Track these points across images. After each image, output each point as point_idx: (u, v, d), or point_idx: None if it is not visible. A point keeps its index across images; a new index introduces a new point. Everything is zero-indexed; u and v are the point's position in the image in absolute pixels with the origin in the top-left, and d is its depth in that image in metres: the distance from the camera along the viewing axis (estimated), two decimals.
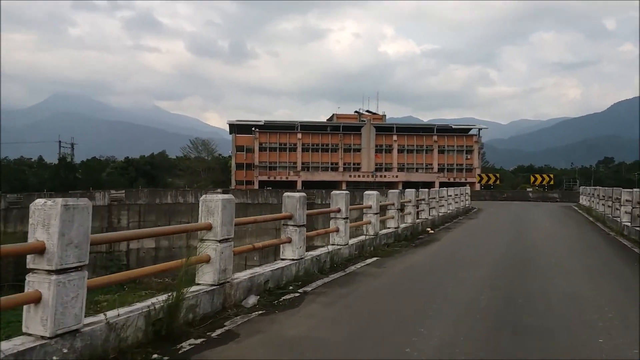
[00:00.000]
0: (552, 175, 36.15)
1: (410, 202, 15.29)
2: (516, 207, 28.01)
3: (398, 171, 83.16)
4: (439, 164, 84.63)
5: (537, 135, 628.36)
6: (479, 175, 39.40)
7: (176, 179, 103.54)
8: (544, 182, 36.80)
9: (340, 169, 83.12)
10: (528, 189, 62.96)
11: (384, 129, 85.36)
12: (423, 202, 16.69)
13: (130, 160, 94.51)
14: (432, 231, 15.82)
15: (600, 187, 20.94)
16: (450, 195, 21.15)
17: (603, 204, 19.01)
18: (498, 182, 35.24)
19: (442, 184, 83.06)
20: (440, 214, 18.52)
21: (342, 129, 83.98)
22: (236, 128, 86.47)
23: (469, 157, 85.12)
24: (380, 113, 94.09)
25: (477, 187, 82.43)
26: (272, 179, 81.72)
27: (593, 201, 22.11)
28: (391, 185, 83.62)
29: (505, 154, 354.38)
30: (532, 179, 35.97)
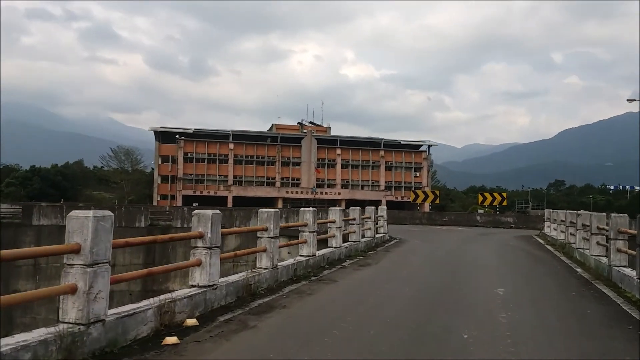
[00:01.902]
0: (504, 195, 28.83)
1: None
2: (456, 236, 20.39)
3: (341, 188, 75.38)
4: (386, 182, 77.51)
5: (489, 158, 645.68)
6: (414, 191, 31.25)
7: (102, 193, 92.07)
8: (495, 203, 29.43)
9: (277, 184, 74.48)
10: (479, 210, 56.37)
11: (327, 141, 77.65)
12: (266, 233, 8.35)
13: (36, 169, 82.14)
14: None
15: (587, 212, 12.98)
16: (346, 221, 13.02)
17: (599, 243, 11.27)
18: (437, 200, 27.43)
19: (389, 203, 76.27)
20: (304, 260, 10.15)
21: (281, 140, 75.64)
22: (161, 136, 76.56)
23: (417, 174, 78.61)
24: (325, 125, 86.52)
25: (426, 207, 76.48)
26: (198, 193, 72.05)
27: (571, 234, 14.05)
28: (333, 203, 75.68)
29: (459, 175, 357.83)
30: (481, 198, 28.54)
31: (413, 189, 76.57)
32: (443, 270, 11.15)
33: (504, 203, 29.52)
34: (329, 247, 12.00)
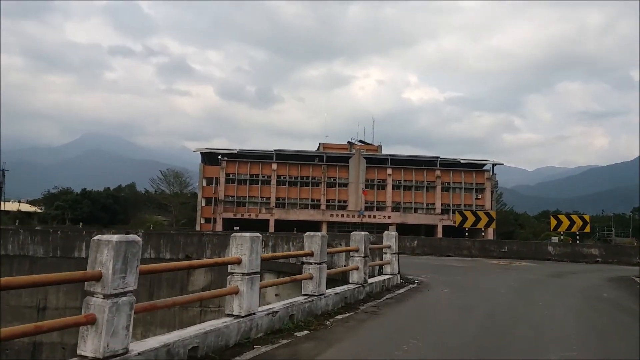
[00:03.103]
0: (586, 218, 21.57)
1: None
2: (514, 277, 13.55)
3: (392, 211, 68.75)
4: (442, 204, 69.94)
5: (564, 182, 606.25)
6: (460, 212, 24.36)
7: (154, 215, 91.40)
8: (574, 229, 22.36)
9: (323, 207, 69.22)
10: (552, 238, 47.61)
11: (377, 160, 71.64)
12: None
13: (87, 192, 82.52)
14: None
15: None
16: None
17: None
18: (494, 225, 20.98)
19: (447, 228, 68.51)
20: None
21: (327, 159, 70.65)
22: (206, 157, 74.25)
23: (479, 196, 70.32)
24: (376, 144, 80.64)
25: (490, 234, 67.77)
26: (239, 216, 68.39)
27: None
28: (383, 227, 69.18)
29: (531, 200, 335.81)
30: (554, 222, 21.60)
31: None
32: None
33: (586, 229, 22.37)
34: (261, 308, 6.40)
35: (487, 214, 21.51)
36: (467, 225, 22.20)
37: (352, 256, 8.87)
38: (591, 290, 10.88)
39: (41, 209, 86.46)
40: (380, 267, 10.05)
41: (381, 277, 9.99)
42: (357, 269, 8.63)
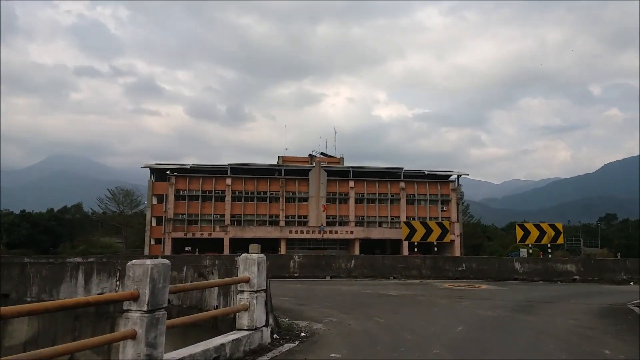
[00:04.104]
0: (559, 227, 18.07)
1: None
2: (464, 315, 9.40)
3: (355, 225, 64.92)
4: (407, 217, 66.56)
5: (530, 194, 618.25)
6: (406, 223, 20.36)
7: (105, 238, 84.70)
8: (544, 240, 18.83)
9: (282, 223, 64.81)
10: (520, 252, 44.51)
11: (339, 172, 67.96)
12: None
13: (26, 214, 75.63)
14: None
15: None
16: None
17: None
18: (447, 238, 17.28)
19: (411, 244, 65.06)
20: None
21: (285, 173, 66.52)
22: (156, 173, 69.00)
23: (445, 208, 67.35)
24: (338, 156, 77.09)
25: (457, 251, 64.66)
26: (191, 235, 63.25)
27: None
28: (345, 243, 65.33)
29: (499, 212, 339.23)
30: (520, 232, 18.12)
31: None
32: None
33: (559, 240, 18.88)
34: None
35: (440, 225, 17.82)
36: (416, 239, 18.46)
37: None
38: (583, 342, 6.86)
39: None
40: (234, 316, 5.93)
41: (238, 336, 5.72)
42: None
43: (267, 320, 6.08)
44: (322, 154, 75.92)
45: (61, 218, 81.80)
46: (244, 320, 5.84)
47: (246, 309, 5.82)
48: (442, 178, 71.34)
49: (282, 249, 61.08)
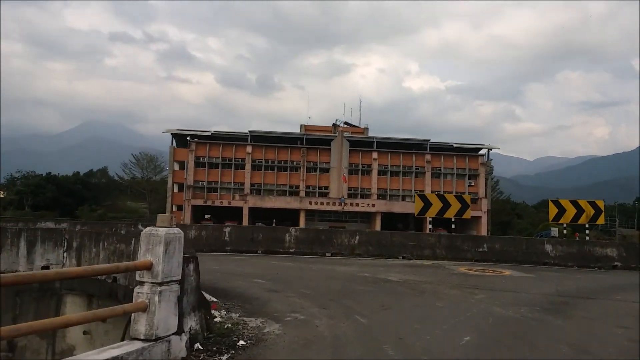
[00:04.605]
0: (600, 205, 15.58)
1: None
2: (475, 320, 6.77)
3: (377, 198, 62.81)
4: (432, 191, 63.86)
5: (564, 172, 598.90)
6: (420, 195, 17.99)
7: (139, 203, 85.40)
8: (582, 220, 16.38)
9: (302, 194, 63.27)
10: (551, 231, 41.58)
11: (362, 143, 65.50)
12: None
13: (51, 176, 76.37)
14: None
15: None
16: None
17: None
18: (468, 214, 15.06)
19: (437, 220, 62.63)
20: None
21: (307, 142, 64.51)
22: (178, 139, 68.12)
23: (472, 183, 64.33)
24: (363, 126, 74.39)
25: (483, 228, 61.80)
26: (210, 203, 62.47)
27: None
28: (366, 216, 63.46)
29: (531, 190, 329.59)
30: (554, 209, 15.77)
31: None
32: None
33: (600, 220, 16.44)
34: None
35: (459, 199, 15.58)
36: (431, 214, 16.35)
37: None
38: None
39: (3, 195, 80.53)
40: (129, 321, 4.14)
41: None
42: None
43: (180, 325, 4.30)
44: (345, 123, 73.40)
45: (87, 182, 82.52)
46: (140, 325, 4.08)
47: (144, 309, 4.04)
48: (471, 151, 68.04)
49: (301, 221, 59.68)
